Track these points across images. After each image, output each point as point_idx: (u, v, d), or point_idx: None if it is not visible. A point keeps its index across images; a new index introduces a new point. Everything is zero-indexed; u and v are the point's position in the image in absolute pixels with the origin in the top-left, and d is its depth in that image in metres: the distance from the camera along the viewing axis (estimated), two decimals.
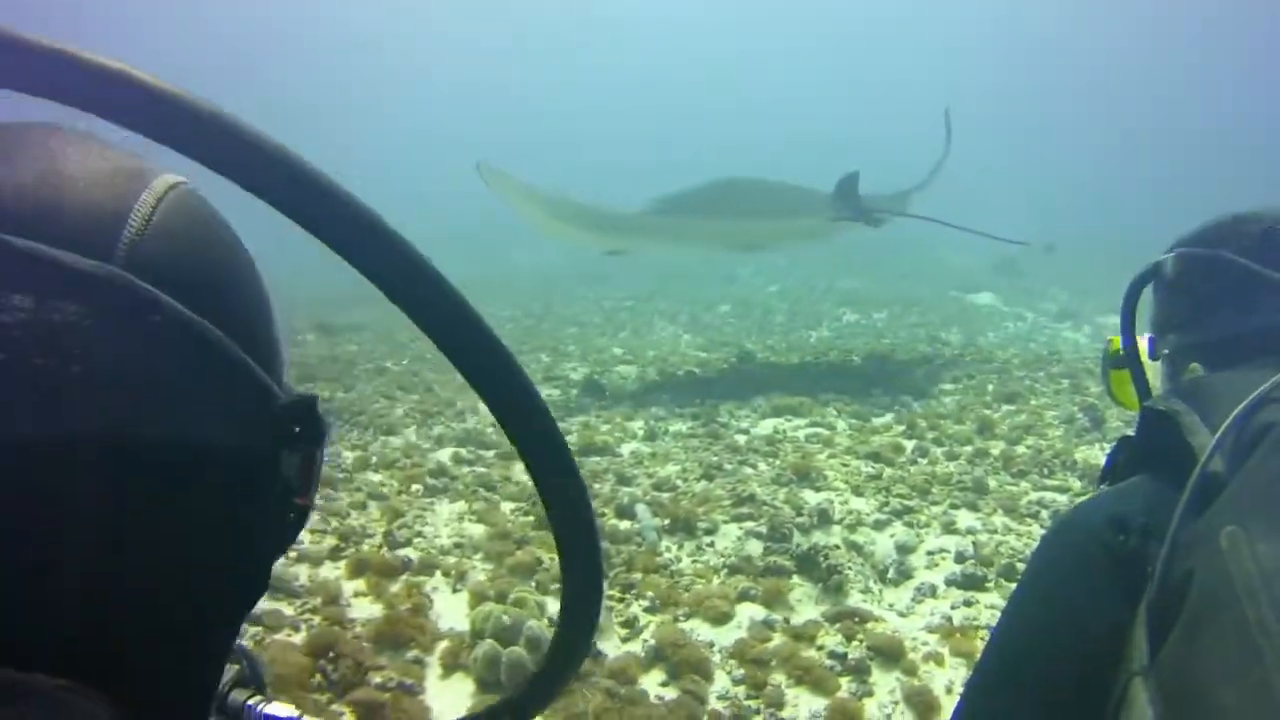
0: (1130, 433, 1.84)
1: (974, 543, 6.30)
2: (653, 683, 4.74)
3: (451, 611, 5.35)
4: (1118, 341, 2.25)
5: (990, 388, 10.84)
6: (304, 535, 5.18)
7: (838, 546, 6.10)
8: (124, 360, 0.74)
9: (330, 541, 6.11)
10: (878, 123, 63.58)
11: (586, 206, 11.56)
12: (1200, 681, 1.23)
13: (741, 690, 4.71)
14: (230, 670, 1.03)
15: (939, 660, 4.98)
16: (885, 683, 4.81)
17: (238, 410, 0.83)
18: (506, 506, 6.80)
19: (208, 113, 0.75)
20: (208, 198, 0.89)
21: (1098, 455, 8.03)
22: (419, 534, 6.30)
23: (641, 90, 68.45)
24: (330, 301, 14.60)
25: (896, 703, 4.66)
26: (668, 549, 6.11)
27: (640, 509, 6.54)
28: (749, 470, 7.61)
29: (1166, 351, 2.08)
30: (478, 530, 6.39)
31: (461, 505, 6.83)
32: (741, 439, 8.54)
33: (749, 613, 5.38)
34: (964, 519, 6.80)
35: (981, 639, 5.08)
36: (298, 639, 4.96)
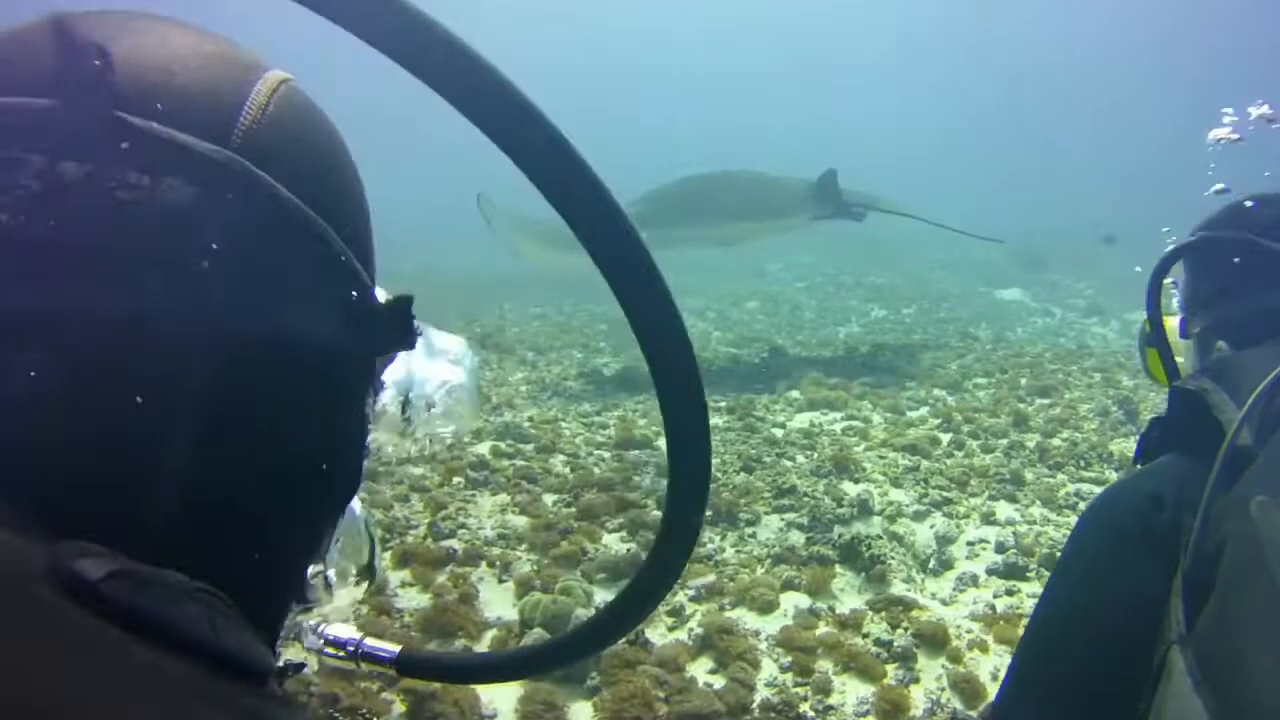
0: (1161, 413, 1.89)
1: (1014, 533, 6.34)
2: (701, 670, 4.80)
3: (498, 601, 5.41)
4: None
5: (1023, 382, 10.84)
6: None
7: (879, 537, 6.14)
8: (235, 244, 0.76)
9: (375, 533, 6.17)
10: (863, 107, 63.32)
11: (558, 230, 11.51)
12: (1235, 647, 1.27)
13: (789, 678, 4.76)
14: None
15: (983, 647, 5.03)
16: (931, 669, 4.86)
17: (340, 304, 0.85)
18: (548, 499, 6.86)
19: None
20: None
21: (1133, 447, 8.02)
22: (462, 525, 6.36)
23: (612, 80, 66.89)
24: None
25: (943, 689, 4.70)
26: (711, 540, 6.16)
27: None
28: (787, 463, 7.65)
29: (1197, 330, 2.13)
30: (521, 521, 6.45)
31: (504, 497, 6.90)
32: (778, 432, 8.58)
33: (794, 601, 5.43)
34: (1003, 510, 6.83)
35: (1025, 626, 5.11)
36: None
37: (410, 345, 0.92)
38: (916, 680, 4.78)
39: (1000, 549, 6.15)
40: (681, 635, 5.07)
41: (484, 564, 5.83)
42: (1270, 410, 1.54)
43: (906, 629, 5.09)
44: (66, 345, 0.70)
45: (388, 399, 1.03)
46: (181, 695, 0.61)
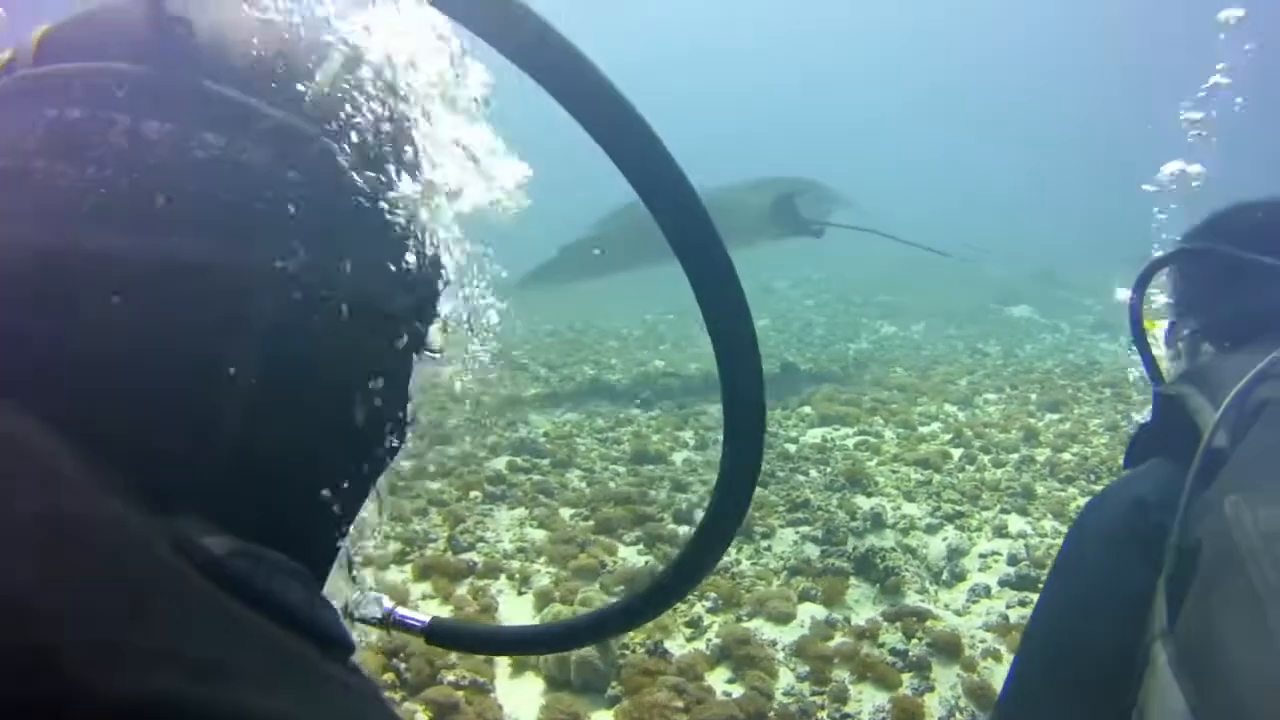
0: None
1: (1026, 545, 6.41)
2: (719, 680, 4.87)
3: (518, 613, 5.50)
4: (1152, 325, 2.39)
5: (1033, 397, 10.89)
6: (368, 540, 5.30)
7: (893, 549, 6.21)
8: (306, 204, 0.82)
9: (395, 546, 6.27)
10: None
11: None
12: (1213, 640, 1.35)
13: (806, 687, 4.83)
14: None
15: (997, 656, 5.09)
16: (946, 678, 4.92)
17: (401, 267, 0.91)
18: (565, 512, 6.95)
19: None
20: None
21: None
22: (481, 539, 6.44)
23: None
24: None
25: (958, 697, 4.77)
26: (728, 553, 6.22)
27: (699, 515, 6.66)
28: (801, 477, 7.72)
29: (1184, 335, 2.20)
30: (539, 535, 6.53)
31: (521, 511, 6.98)
32: (791, 447, 8.65)
33: (810, 612, 5.51)
34: (1014, 523, 6.90)
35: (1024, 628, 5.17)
36: (370, 638, 5.09)
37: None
38: (932, 689, 4.85)
39: (1012, 561, 6.22)
40: (700, 645, 5.14)
41: (503, 576, 5.91)
42: (1244, 412, 1.62)
43: (921, 639, 5.16)
44: (149, 293, 0.75)
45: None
46: (306, 670, 0.67)
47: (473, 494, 7.26)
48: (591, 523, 6.67)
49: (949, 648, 5.08)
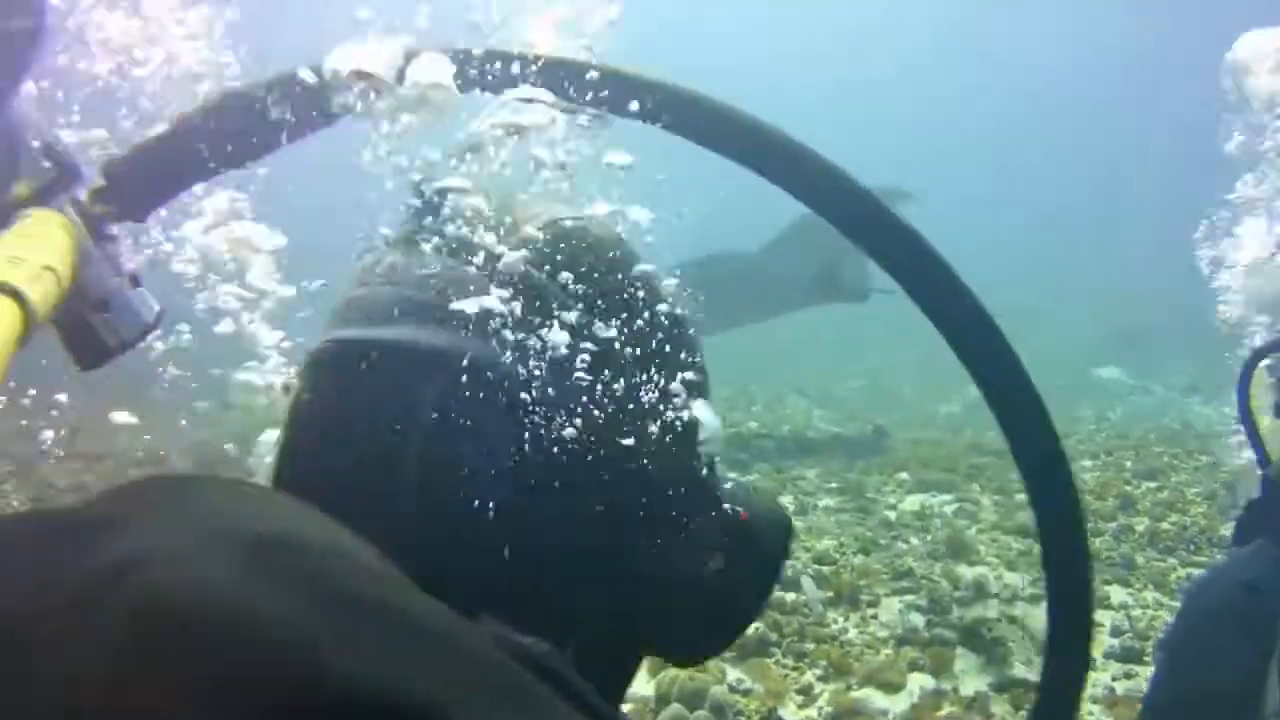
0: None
1: (1128, 617, 6.49)
2: None
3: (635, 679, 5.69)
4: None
5: (1128, 464, 10.87)
6: None
7: (998, 619, 6.34)
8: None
9: None
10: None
11: None
12: None
13: None
14: None
15: None
16: None
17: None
18: None
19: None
20: None
21: None
22: None
23: None
24: None
25: None
26: (834, 620, 6.42)
27: (805, 581, 6.84)
28: (902, 545, 7.88)
29: None
30: None
31: None
32: (891, 514, 8.81)
33: (919, 682, 5.67)
34: (1116, 594, 6.97)
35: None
36: None
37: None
38: None
39: (1116, 632, 6.32)
40: (811, 713, 5.32)
41: None
42: None
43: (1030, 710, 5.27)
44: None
45: None
46: None
47: None
48: None
49: None
